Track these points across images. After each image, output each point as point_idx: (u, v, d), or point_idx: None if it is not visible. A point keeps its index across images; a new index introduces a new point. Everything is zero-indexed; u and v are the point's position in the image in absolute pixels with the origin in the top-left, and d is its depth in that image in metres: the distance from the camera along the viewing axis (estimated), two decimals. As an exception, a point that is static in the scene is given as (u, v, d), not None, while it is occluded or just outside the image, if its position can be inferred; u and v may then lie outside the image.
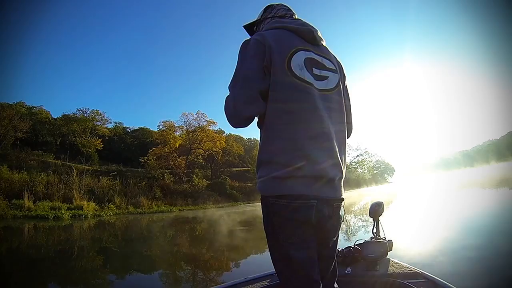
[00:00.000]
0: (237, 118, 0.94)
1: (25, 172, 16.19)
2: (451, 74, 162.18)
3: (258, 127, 1.00)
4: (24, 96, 40.65)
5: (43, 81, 46.23)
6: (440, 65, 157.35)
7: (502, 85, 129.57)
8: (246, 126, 0.97)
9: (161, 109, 57.03)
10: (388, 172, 52.72)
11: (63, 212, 13.39)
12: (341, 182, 0.99)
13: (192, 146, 28.57)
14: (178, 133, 28.89)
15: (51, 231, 9.95)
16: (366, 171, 44.54)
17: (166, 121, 28.64)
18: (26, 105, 27.24)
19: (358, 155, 43.20)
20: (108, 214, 15.39)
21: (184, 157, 28.24)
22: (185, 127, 29.11)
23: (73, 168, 18.15)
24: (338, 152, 0.96)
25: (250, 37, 1.01)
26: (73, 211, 14.11)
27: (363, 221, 8.34)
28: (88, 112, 28.57)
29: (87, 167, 22.13)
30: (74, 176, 16.88)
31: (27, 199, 13.55)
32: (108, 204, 16.84)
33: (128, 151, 31.32)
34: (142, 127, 34.78)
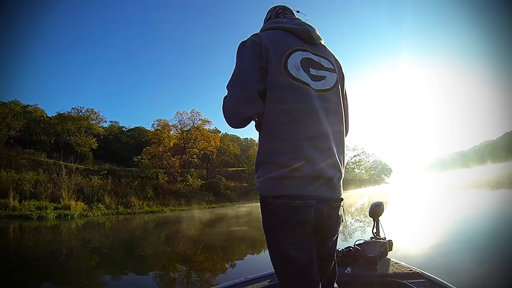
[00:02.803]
0: (236, 119, 0.94)
1: (14, 171, 16.08)
2: (448, 75, 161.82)
3: (256, 128, 1.00)
4: (19, 95, 40.38)
5: (38, 80, 46.30)
6: (437, 66, 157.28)
7: (499, 86, 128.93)
8: (244, 127, 0.98)
9: (158, 108, 57.27)
10: (385, 172, 52.40)
11: (48, 212, 13.22)
12: (340, 182, 1.00)
13: (186, 145, 28.40)
14: (172, 132, 28.69)
15: (32, 232, 9.78)
16: (363, 172, 44.38)
17: (161, 119, 28.45)
18: (21, 104, 27.12)
19: (355, 155, 43.09)
20: (96, 214, 15.18)
21: (179, 156, 28.08)
22: (179, 126, 28.95)
23: (62, 167, 18.02)
24: (336, 152, 0.96)
25: (247, 38, 1.01)
26: (59, 211, 13.91)
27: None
28: (83, 111, 28.63)
29: (79, 165, 22.04)
30: (63, 175, 16.75)
31: (12, 198, 13.41)
32: (98, 204, 16.66)
33: (123, 151, 31.21)
34: (138, 126, 34.71)
